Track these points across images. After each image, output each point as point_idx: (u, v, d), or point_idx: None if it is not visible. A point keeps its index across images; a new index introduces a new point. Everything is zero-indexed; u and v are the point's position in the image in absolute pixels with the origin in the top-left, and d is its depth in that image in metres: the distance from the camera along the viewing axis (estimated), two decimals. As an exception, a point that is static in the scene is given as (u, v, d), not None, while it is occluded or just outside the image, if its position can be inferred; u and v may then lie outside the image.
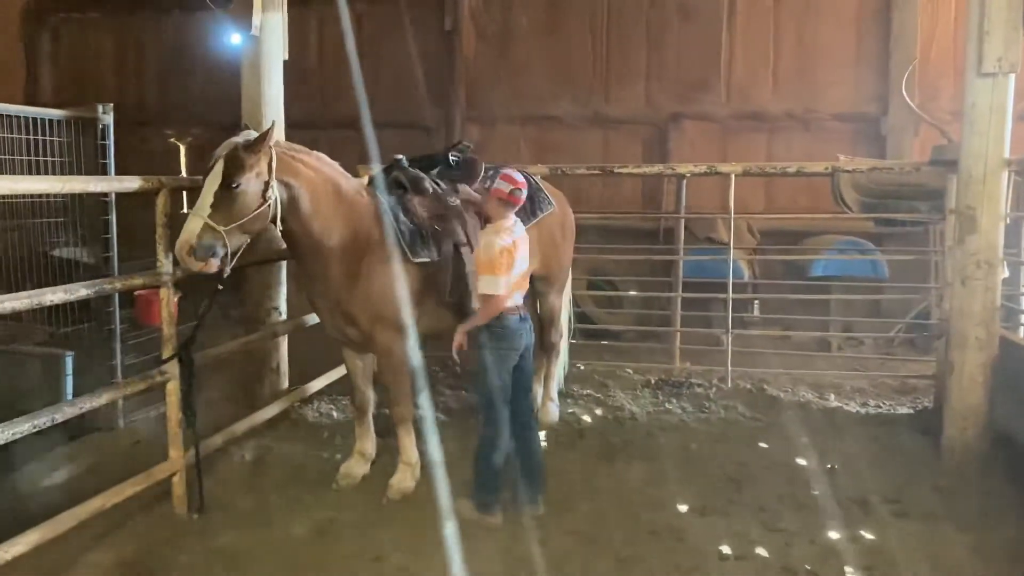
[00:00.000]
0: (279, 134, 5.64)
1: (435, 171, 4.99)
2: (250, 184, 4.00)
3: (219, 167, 3.96)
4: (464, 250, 4.65)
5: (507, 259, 4.18)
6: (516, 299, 4.30)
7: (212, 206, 3.93)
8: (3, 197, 6.11)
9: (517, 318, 4.27)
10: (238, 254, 4.10)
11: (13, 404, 5.28)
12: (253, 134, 4.13)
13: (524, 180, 4.31)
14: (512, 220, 4.34)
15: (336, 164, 4.58)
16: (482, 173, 5.00)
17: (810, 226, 8.72)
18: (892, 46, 9.19)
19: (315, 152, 4.50)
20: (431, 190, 4.73)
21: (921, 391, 6.51)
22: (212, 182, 3.96)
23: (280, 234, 4.35)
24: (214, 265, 4.00)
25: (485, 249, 4.23)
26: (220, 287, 4.23)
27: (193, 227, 3.90)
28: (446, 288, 4.61)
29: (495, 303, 4.18)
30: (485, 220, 4.49)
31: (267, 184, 4.07)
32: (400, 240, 4.50)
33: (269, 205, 4.09)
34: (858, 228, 8.41)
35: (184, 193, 5.45)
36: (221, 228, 3.93)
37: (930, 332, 7.14)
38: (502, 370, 4.23)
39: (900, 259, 7.74)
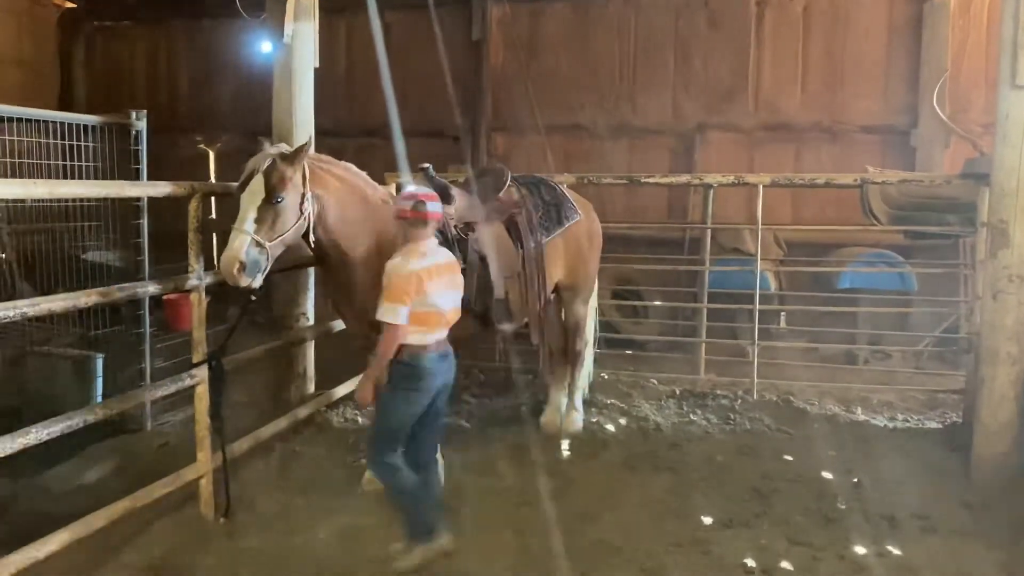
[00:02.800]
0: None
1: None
2: (290, 197, 4.02)
3: (259, 181, 3.96)
4: (489, 259, 4.67)
5: (415, 285, 3.72)
6: (437, 335, 3.87)
7: (256, 221, 3.94)
8: (40, 201, 6.25)
9: (436, 356, 3.85)
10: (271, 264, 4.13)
11: (44, 404, 5.38)
12: (284, 147, 4.16)
13: (430, 192, 3.97)
14: (430, 243, 3.93)
15: (363, 174, 4.61)
16: (508, 181, 5.02)
17: (838, 238, 8.66)
18: (922, 57, 9.09)
19: (342, 162, 4.53)
20: (457, 198, 4.75)
21: (950, 405, 6.43)
22: (253, 197, 3.95)
23: (308, 244, 4.38)
24: (259, 281, 4.02)
25: (394, 271, 3.76)
26: (254, 297, 4.23)
27: (240, 243, 3.90)
28: (471, 297, 4.63)
29: (393, 335, 3.72)
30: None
31: (303, 196, 4.09)
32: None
33: (305, 218, 4.12)
34: (887, 240, 8.34)
35: (213, 199, 5.53)
36: (266, 243, 3.95)
37: (959, 346, 7.05)
38: (405, 412, 3.85)
39: (929, 272, 7.67)
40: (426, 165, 4.77)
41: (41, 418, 3.56)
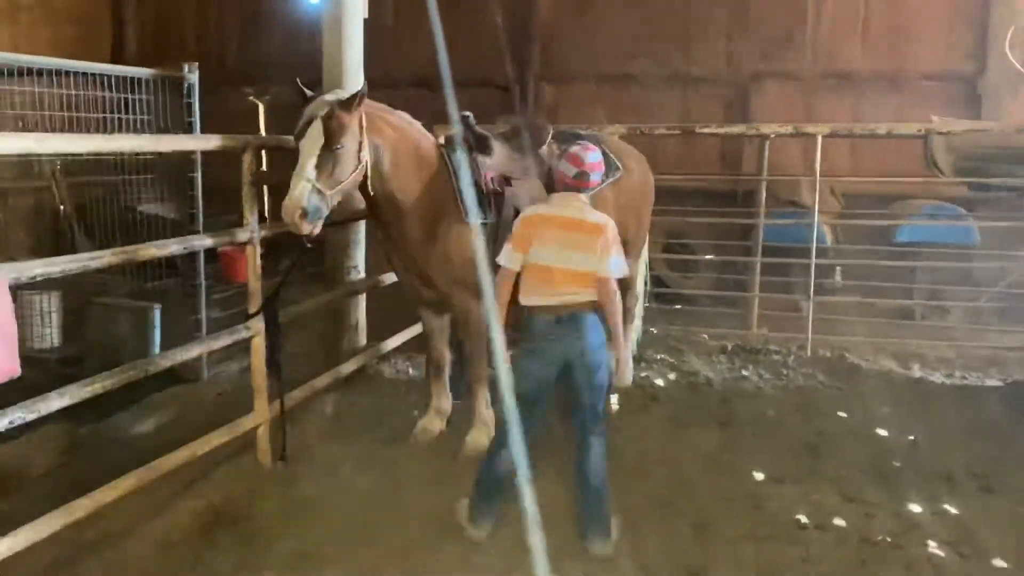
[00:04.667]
0: (359, 94, 5.67)
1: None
2: (349, 144, 3.99)
3: (318, 127, 3.92)
4: None
5: (525, 229, 3.69)
6: (552, 296, 3.63)
7: (316, 167, 3.91)
8: (96, 154, 6.34)
9: (547, 321, 3.62)
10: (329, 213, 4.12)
11: (104, 353, 5.55)
12: (341, 93, 4.12)
13: (596, 160, 3.76)
14: (568, 196, 3.75)
15: (417, 123, 4.57)
16: (549, 137, 4.92)
17: (898, 190, 8.40)
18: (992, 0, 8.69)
19: (398, 111, 4.49)
20: (496, 150, 4.67)
21: (1011, 363, 6.27)
22: (313, 144, 3.92)
23: (366, 193, 4.33)
24: (319, 228, 4.00)
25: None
26: (310, 245, 4.18)
27: (301, 190, 3.87)
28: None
29: (499, 277, 3.76)
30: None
31: (361, 144, 4.07)
32: (458, 201, 4.42)
33: (363, 166, 4.10)
34: (950, 193, 8.07)
35: (263, 152, 5.54)
36: (326, 191, 3.93)
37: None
38: (524, 374, 3.67)
39: (994, 225, 7.41)
40: (467, 113, 4.68)
41: (102, 367, 3.64)
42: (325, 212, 3.98)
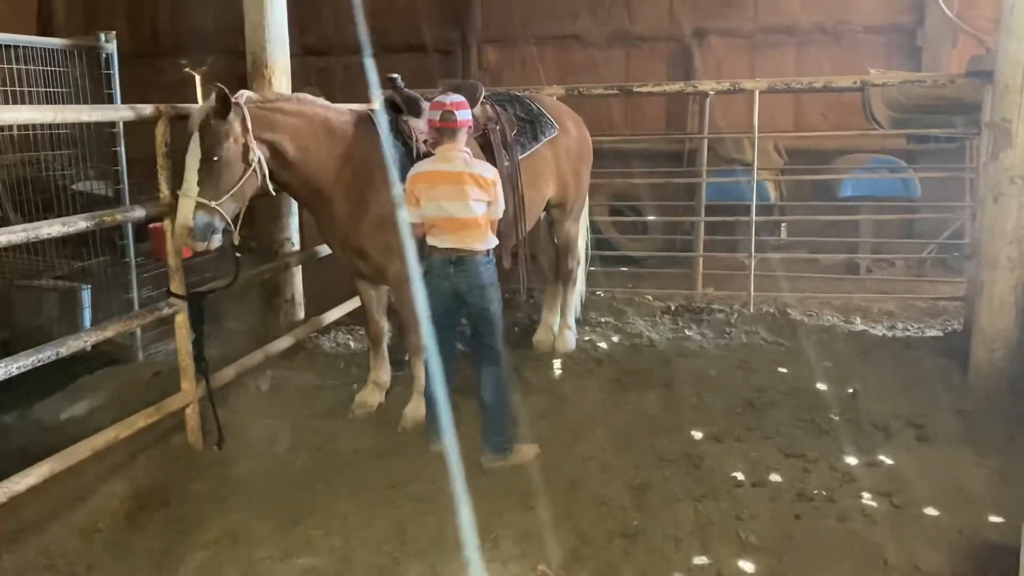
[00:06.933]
0: (283, 60, 5.48)
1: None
2: (230, 152, 3.85)
3: (195, 141, 3.82)
4: None
5: (412, 186, 4.04)
6: (447, 240, 4.01)
7: (199, 183, 3.80)
8: (24, 130, 6.04)
9: (440, 260, 4.04)
10: (239, 218, 4.01)
11: (32, 338, 5.33)
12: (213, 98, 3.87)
13: (459, 99, 4.05)
14: (453, 151, 4.02)
15: (321, 100, 4.41)
16: (481, 97, 4.81)
17: (840, 144, 8.41)
18: (930, -50, 8.66)
19: (295, 95, 4.39)
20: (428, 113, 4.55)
21: (951, 313, 6.33)
22: (192, 158, 3.82)
23: (276, 189, 4.21)
24: (216, 242, 3.93)
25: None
26: (239, 255, 4.20)
27: (186, 209, 3.79)
28: None
29: (412, 232, 4.15)
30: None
31: (246, 147, 3.92)
32: (389, 165, 4.33)
33: (254, 169, 3.97)
34: (891, 146, 8.09)
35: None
36: (213, 203, 3.82)
37: (962, 252, 6.91)
38: (427, 304, 4.09)
39: (934, 177, 7.45)
40: (394, 76, 4.56)
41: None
42: (219, 225, 3.89)
